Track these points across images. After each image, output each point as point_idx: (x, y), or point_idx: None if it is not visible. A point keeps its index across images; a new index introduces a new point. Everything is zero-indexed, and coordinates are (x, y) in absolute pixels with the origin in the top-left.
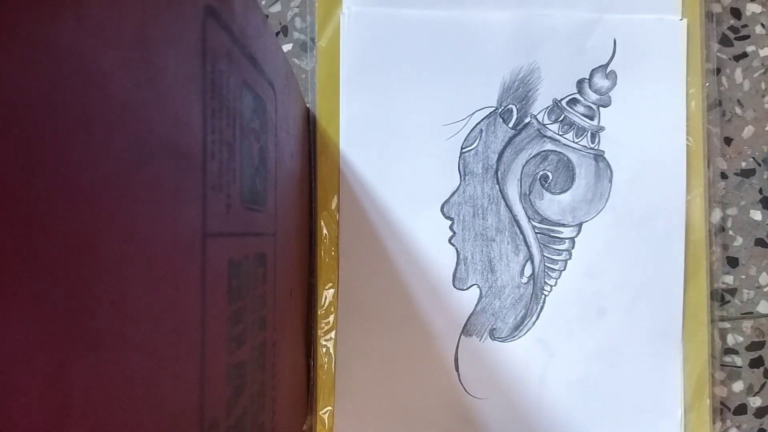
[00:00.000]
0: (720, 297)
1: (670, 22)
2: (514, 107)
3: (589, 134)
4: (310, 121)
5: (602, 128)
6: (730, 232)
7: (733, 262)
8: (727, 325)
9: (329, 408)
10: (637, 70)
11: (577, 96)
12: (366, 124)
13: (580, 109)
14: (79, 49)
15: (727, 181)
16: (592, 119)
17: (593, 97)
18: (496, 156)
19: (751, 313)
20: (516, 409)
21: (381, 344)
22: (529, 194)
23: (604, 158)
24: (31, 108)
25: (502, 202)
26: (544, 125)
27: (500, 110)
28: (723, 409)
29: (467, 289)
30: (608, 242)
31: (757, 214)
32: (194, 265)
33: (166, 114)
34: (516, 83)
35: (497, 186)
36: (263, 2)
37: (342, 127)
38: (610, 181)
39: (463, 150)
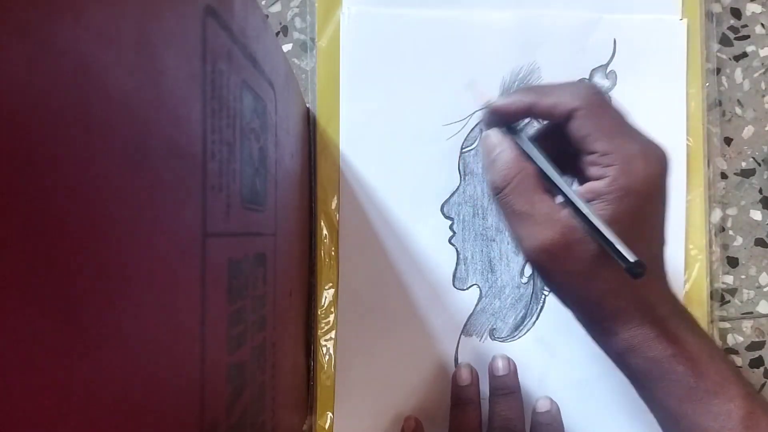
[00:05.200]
0: (720, 297)
1: (670, 22)
2: None
3: None
4: (310, 121)
5: None
6: (730, 232)
7: (733, 262)
8: (727, 325)
9: (329, 411)
10: (637, 70)
11: None
12: (366, 124)
13: None
14: (79, 49)
15: (727, 181)
16: None
17: None
18: None
19: (751, 313)
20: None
21: (381, 344)
22: None
23: None
24: (30, 107)
25: None
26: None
27: None
28: None
29: (467, 289)
30: None
31: (757, 214)
32: (194, 265)
33: (166, 114)
34: (516, 83)
35: None
36: (263, 2)
37: (342, 127)
38: None
39: (463, 150)
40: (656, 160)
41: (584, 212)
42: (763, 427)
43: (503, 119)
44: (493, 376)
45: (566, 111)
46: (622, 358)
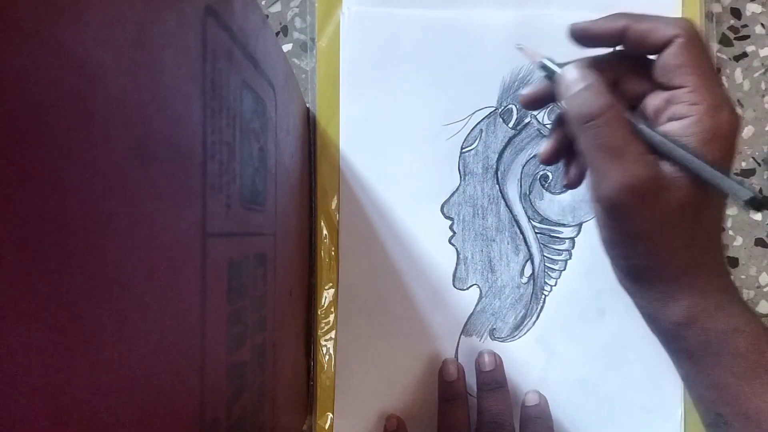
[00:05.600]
0: None
1: None
2: (514, 107)
3: None
4: (310, 121)
5: None
6: (730, 232)
7: (733, 262)
8: None
9: (329, 411)
10: None
11: None
12: (366, 124)
13: None
14: (79, 49)
15: None
16: None
17: None
18: (496, 156)
19: None
20: (516, 408)
21: (381, 344)
22: (529, 194)
23: None
24: (31, 108)
25: (502, 202)
26: (544, 125)
27: (500, 110)
28: None
29: (467, 289)
30: None
31: (757, 214)
32: (194, 265)
33: (166, 114)
34: (516, 83)
35: (497, 186)
36: (263, 2)
37: (342, 127)
38: None
39: (463, 150)
40: (736, 114)
41: (684, 151)
42: None
43: (591, 42)
44: (480, 372)
45: (666, 37)
46: (677, 331)
